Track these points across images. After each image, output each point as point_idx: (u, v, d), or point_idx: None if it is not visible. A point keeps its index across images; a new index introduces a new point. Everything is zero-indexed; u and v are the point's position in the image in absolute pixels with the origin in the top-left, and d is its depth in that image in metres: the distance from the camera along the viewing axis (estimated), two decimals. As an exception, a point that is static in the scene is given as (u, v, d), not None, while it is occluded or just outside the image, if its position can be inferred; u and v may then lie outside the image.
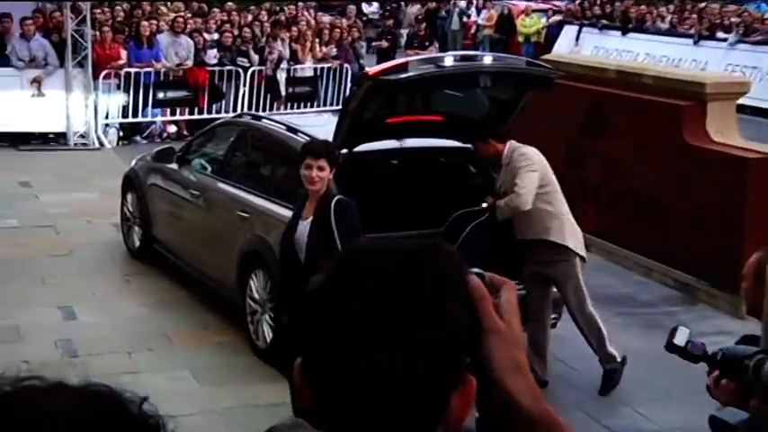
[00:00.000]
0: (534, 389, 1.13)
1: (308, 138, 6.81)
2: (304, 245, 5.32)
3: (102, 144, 13.89)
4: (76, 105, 13.74)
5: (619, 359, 6.21)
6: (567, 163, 6.79)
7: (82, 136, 13.83)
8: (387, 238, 1.17)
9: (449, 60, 6.40)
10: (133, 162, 9.28)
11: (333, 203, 5.29)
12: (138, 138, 14.66)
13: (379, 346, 1.04)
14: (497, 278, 1.17)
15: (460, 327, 1.09)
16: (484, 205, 6.31)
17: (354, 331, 1.05)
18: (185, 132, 14.69)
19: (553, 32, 22.03)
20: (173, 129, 15.07)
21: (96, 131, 13.98)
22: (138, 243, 8.77)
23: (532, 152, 6.13)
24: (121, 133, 14.47)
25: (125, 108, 14.30)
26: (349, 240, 5.25)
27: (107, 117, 14.27)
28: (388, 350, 1.04)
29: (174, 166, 8.27)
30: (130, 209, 8.94)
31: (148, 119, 14.66)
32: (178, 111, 14.95)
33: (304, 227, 5.34)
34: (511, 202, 5.99)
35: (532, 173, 6.02)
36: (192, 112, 14.86)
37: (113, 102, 14.23)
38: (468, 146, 6.80)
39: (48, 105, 13.53)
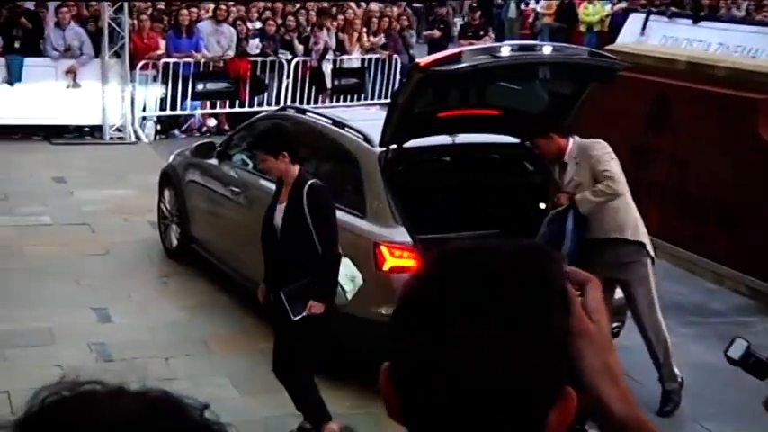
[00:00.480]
0: (626, 393, 1.12)
1: (355, 133, 6.84)
2: (277, 230, 5.46)
3: (138, 138, 14.08)
4: (113, 97, 13.94)
5: (679, 379, 6.15)
6: (631, 160, 6.74)
7: (118, 129, 14.02)
8: (479, 239, 1.15)
9: (505, 50, 6.37)
10: (171, 157, 9.39)
11: (305, 189, 5.36)
12: (176, 132, 14.84)
13: (477, 355, 1.02)
14: (581, 273, 1.15)
15: (563, 336, 1.07)
16: (542, 206, 6.28)
17: (451, 339, 1.03)
18: (226, 126, 14.83)
19: (618, 21, 21.77)
20: (212, 122, 15.23)
21: (133, 125, 14.17)
22: (175, 242, 8.87)
23: (605, 143, 6.14)
24: (159, 127, 14.65)
25: (163, 100, 14.47)
26: (323, 224, 5.37)
27: (144, 110, 14.46)
28: (487, 361, 1.02)
29: (213, 161, 8.35)
30: (168, 206, 9.05)
31: (187, 112, 14.82)
32: (218, 103, 15.09)
33: (280, 212, 5.48)
34: (607, 189, 5.98)
35: (613, 161, 6.05)
36: (232, 105, 14.99)
37: (151, 94, 14.42)
38: (526, 142, 6.76)
39: (83, 97, 13.75)
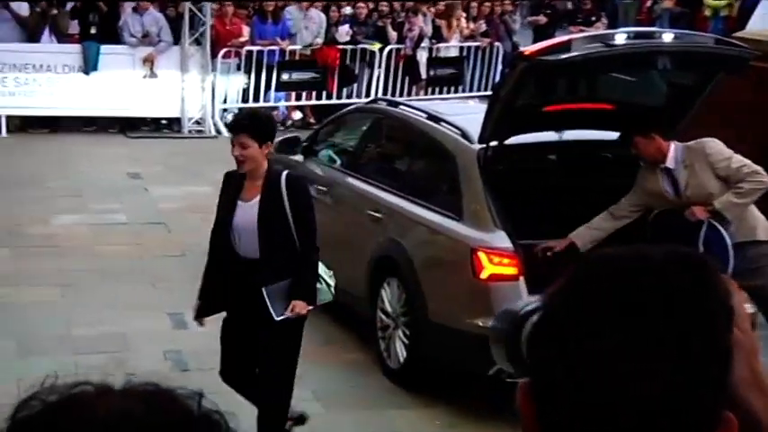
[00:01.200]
0: None
1: (452, 128, 6.84)
2: (244, 230, 5.32)
3: (219, 132, 14.31)
4: (192, 88, 14.23)
5: None
6: (761, 161, 6.57)
7: (197, 122, 14.30)
8: (633, 247, 1.12)
9: (620, 38, 6.30)
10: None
11: (283, 179, 5.33)
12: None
13: (635, 377, 1.01)
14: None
15: (728, 353, 1.05)
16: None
17: (608, 359, 1.01)
18: (312, 120, 14.98)
19: (747, 6, 21.27)
20: (298, 115, 15.40)
21: (213, 117, 14.43)
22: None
23: (716, 139, 6.16)
24: (241, 120, 14.88)
25: (245, 91, 14.70)
26: (305, 218, 5.34)
27: (225, 101, 14.71)
28: (647, 384, 1.00)
29: (298, 157, 8.44)
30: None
31: (271, 104, 14.99)
32: (304, 95, 15.26)
33: (247, 210, 5.35)
34: (757, 185, 5.97)
35: (739, 155, 6.04)
36: (319, 97, 15.14)
37: (233, 84, 14.67)
38: (623, 138, 6.66)
39: (161, 88, 14.05)
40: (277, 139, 8.82)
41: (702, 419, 1.03)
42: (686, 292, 1.04)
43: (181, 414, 0.99)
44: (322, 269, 5.54)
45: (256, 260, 5.28)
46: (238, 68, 14.62)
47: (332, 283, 5.57)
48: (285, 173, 5.38)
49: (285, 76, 14.77)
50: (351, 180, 7.62)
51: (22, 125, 14.04)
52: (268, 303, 5.26)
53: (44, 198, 10.70)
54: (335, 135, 8.59)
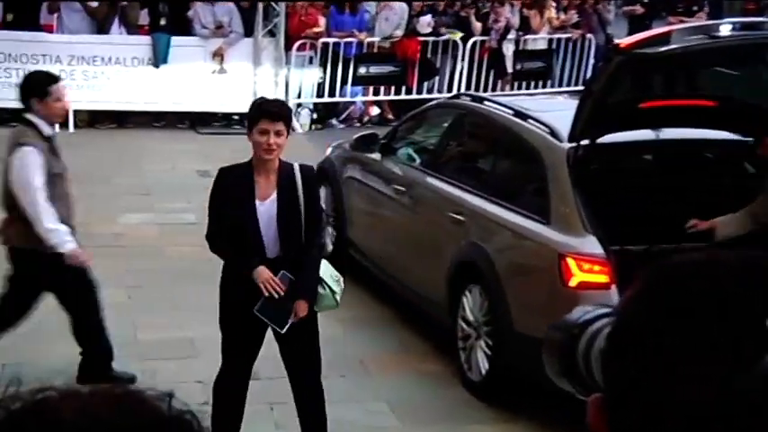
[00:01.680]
0: None
1: (540, 125, 6.80)
2: (267, 231, 5.33)
3: (292, 128, 14.44)
4: (265, 82, 14.36)
5: None
6: None
7: (270, 118, 14.43)
8: (711, 252, 1.13)
9: (725, 29, 6.20)
10: (328, 150, 9.60)
11: (297, 171, 5.37)
12: (333, 121, 15.15)
13: (713, 392, 1.02)
14: None
15: None
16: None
17: (681, 369, 1.02)
18: (390, 116, 15.01)
19: None
20: (375, 111, 15.45)
21: (286, 113, 14.56)
22: (330, 247, 9.05)
23: None
24: (315, 115, 14.99)
25: (320, 86, 14.80)
26: (315, 212, 5.43)
27: (299, 96, 14.83)
28: (725, 399, 1.01)
29: (375, 155, 8.48)
30: (324, 206, 9.24)
31: (347, 99, 15.09)
32: (382, 90, 15.29)
33: (265, 209, 5.35)
34: None
35: None
36: (398, 92, 15.17)
37: (307, 78, 14.78)
38: (748, 139, 6.55)
39: (232, 81, 14.21)
40: (354, 136, 8.98)
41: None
42: (739, 297, 1.04)
43: (151, 415, 1.00)
44: (329, 273, 5.57)
45: (279, 257, 5.39)
46: (312, 61, 14.72)
47: (338, 289, 5.59)
48: (297, 164, 5.44)
49: (362, 70, 14.83)
50: (431, 180, 7.62)
51: (90, 120, 14.33)
52: (267, 322, 5.37)
53: (111, 196, 10.90)
54: (415, 132, 8.60)
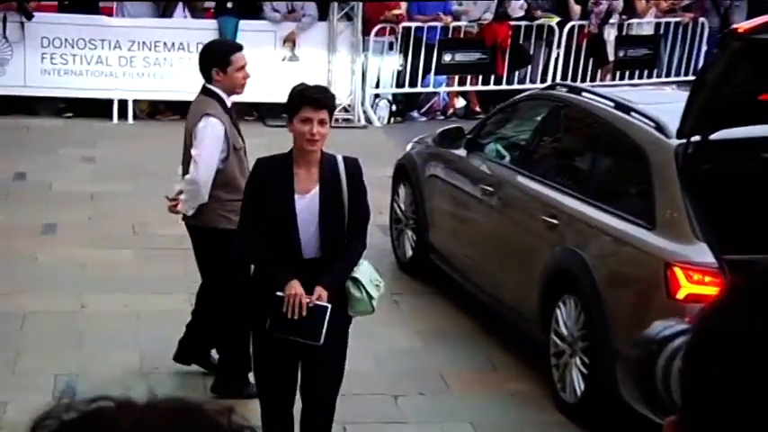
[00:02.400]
0: None
1: (645, 119, 6.73)
2: (306, 228, 5.29)
3: (369, 121, 14.49)
4: (340, 70, 14.46)
5: None
6: None
7: (345, 109, 14.48)
8: None
9: None
10: (409, 146, 9.61)
11: (341, 163, 5.35)
12: (415, 114, 15.16)
13: None
14: None
15: None
16: None
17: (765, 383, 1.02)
18: (477, 108, 14.98)
19: None
20: (461, 103, 15.44)
21: (363, 104, 14.62)
22: (410, 252, 9.07)
23: None
24: (395, 107, 15.02)
25: (400, 74, 14.83)
26: (361, 206, 5.37)
27: (378, 86, 14.88)
28: None
29: (460, 152, 8.47)
30: (403, 207, 9.27)
31: (430, 89, 15.09)
32: (469, 79, 15.26)
33: (306, 204, 5.31)
34: None
35: None
36: (486, 82, 15.13)
37: (386, 66, 14.82)
38: None
39: (305, 69, 14.26)
40: (437, 131, 8.98)
41: None
42: None
43: (210, 429, 1.03)
44: (369, 276, 5.50)
45: (317, 259, 5.36)
46: (392, 48, 14.75)
47: (375, 294, 5.50)
48: (341, 156, 5.43)
49: (447, 57, 14.82)
50: (522, 179, 7.59)
51: (151, 111, 14.54)
52: (297, 338, 5.31)
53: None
54: (505, 126, 8.57)
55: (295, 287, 5.27)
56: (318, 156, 5.39)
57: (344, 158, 5.46)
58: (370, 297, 5.49)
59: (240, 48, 6.93)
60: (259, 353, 5.52)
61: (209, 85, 6.65)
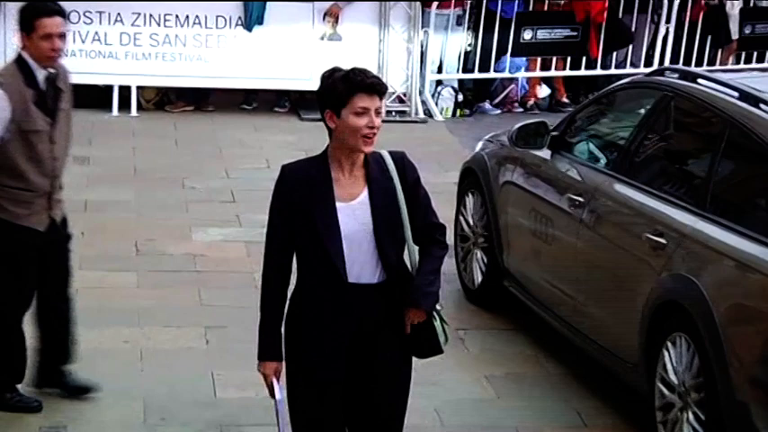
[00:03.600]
0: None
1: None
2: (354, 243, 5.19)
3: (429, 114, 14.49)
4: (394, 51, 14.51)
5: None
6: None
7: (399, 99, 14.52)
8: None
9: None
10: (479, 145, 9.61)
11: (390, 160, 5.29)
12: (486, 105, 15.17)
13: None
14: None
15: None
16: None
17: None
18: (564, 99, 15.00)
19: None
20: (544, 92, 15.43)
21: (422, 93, 14.65)
22: (480, 277, 9.03)
23: None
24: (461, 97, 15.00)
25: (469, 56, 14.84)
26: (424, 203, 5.32)
27: (440, 70, 14.90)
28: None
29: (543, 153, 8.43)
30: (471, 221, 9.24)
31: (505, 74, 15.08)
32: (554, 62, 15.25)
33: (352, 213, 5.20)
34: None
35: None
36: (576, 65, 15.13)
37: (451, 46, 14.84)
38: None
39: (349, 50, 14.29)
40: (514, 126, 8.94)
41: None
42: None
43: None
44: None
45: (373, 285, 5.27)
46: (459, 24, 14.75)
47: (447, 325, 5.47)
48: (386, 151, 5.34)
49: (527, 35, 14.83)
50: (621, 188, 7.55)
51: (160, 100, 14.63)
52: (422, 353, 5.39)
53: (185, 204, 11.09)
54: (600, 121, 8.54)
55: (266, 368, 5.35)
56: (362, 156, 5.36)
57: (392, 154, 5.41)
58: (444, 322, 5.44)
59: (53, 12, 6.91)
60: (294, 400, 5.50)
61: (21, 51, 6.84)
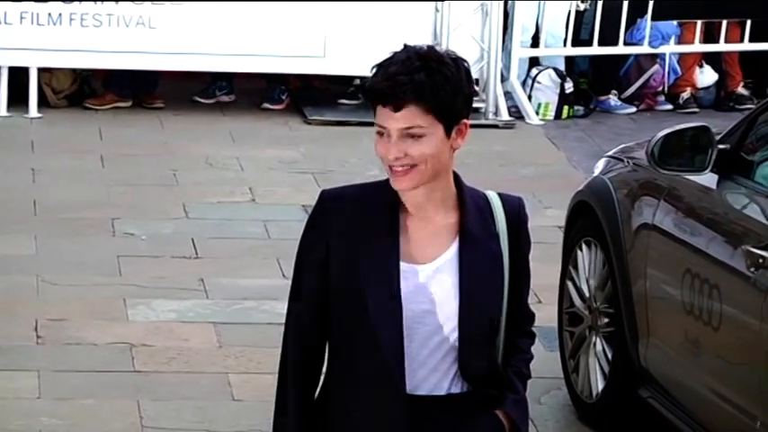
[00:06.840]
0: None
1: None
2: (420, 329, 5.15)
3: (517, 113, 14.60)
4: (458, 12, 14.78)
5: None
6: None
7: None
8: None
9: None
10: (599, 165, 9.71)
11: (499, 207, 5.29)
12: (611, 100, 15.32)
13: None
14: None
15: None
16: None
17: None
18: (740, 89, 15.04)
19: None
20: (708, 78, 15.50)
21: (506, 79, 14.81)
22: (600, 383, 9.07)
23: None
24: (570, 86, 15.10)
25: (581, 19, 15.01)
26: (527, 273, 5.35)
27: (535, 43, 15.13)
28: None
29: (705, 177, 8.46)
30: (586, 290, 9.29)
31: (643, 49, 15.17)
32: (723, 29, 15.34)
33: (426, 284, 5.16)
34: None
35: None
36: (762, 35, 15.20)
37: (549, 14, 14.98)
38: None
39: (383, 9, 14.43)
40: (656, 136, 8.98)
41: None
42: None
43: None
44: None
45: (441, 398, 5.29)
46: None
47: None
48: (494, 193, 5.33)
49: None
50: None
51: (77, 91, 14.76)
52: None
53: (115, 260, 11.20)
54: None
55: None
56: (451, 193, 5.43)
57: (503, 199, 5.38)
58: None
59: None
60: None
61: None
